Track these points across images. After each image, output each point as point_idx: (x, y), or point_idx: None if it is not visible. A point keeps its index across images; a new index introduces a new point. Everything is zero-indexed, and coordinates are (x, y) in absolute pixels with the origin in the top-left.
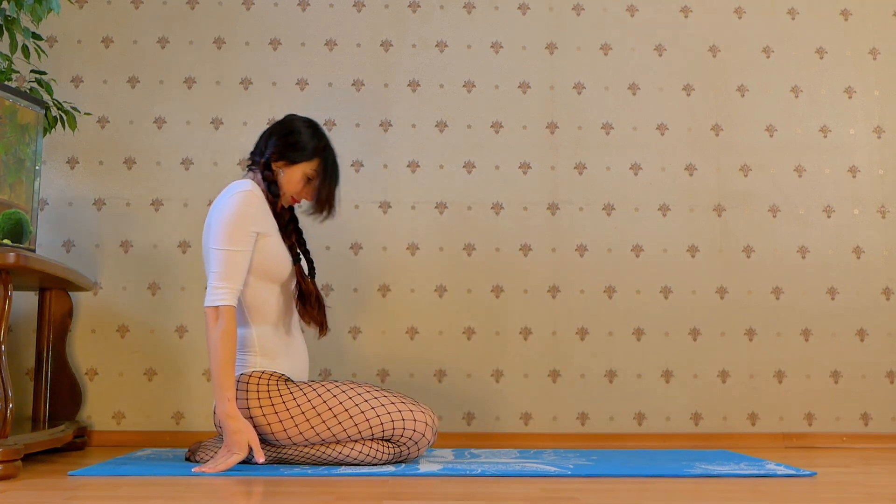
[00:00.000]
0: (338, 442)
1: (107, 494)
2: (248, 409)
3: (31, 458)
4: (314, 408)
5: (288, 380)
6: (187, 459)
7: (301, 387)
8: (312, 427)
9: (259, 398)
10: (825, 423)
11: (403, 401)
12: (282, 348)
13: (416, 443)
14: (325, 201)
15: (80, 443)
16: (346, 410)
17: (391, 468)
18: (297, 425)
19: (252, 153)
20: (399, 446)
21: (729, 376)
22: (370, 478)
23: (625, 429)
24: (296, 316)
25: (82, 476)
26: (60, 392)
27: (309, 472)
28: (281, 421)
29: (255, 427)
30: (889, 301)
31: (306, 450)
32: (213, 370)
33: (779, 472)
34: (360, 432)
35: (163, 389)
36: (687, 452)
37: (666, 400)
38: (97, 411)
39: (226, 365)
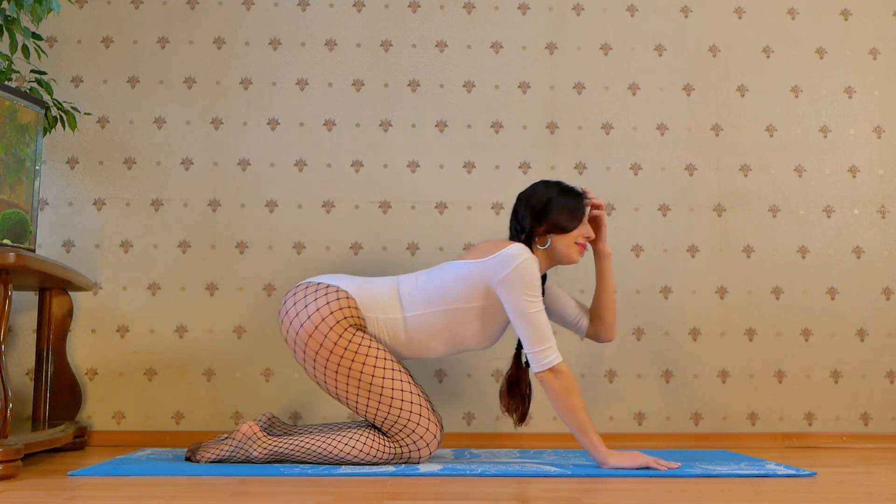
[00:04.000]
0: (340, 430)
1: (107, 494)
2: (314, 323)
3: (31, 458)
4: (363, 366)
5: (361, 328)
6: (187, 459)
7: (362, 342)
8: (344, 383)
9: (328, 325)
10: (825, 423)
11: (427, 406)
12: (403, 342)
13: (419, 449)
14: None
15: (80, 443)
16: (383, 386)
17: (391, 468)
18: (337, 367)
19: (512, 233)
20: (401, 446)
21: (729, 376)
22: (370, 478)
23: (625, 429)
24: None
25: (82, 476)
26: (60, 392)
27: (309, 471)
28: (324, 359)
29: (298, 338)
30: (889, 301)
31: (307, 441)
32: (571, 426)
33: (779, 472)
34: (376, 410)
35: (163, 389)
36: (687, 452)
37: (666, 400)
38: (97, 411)
39: (582, 418)
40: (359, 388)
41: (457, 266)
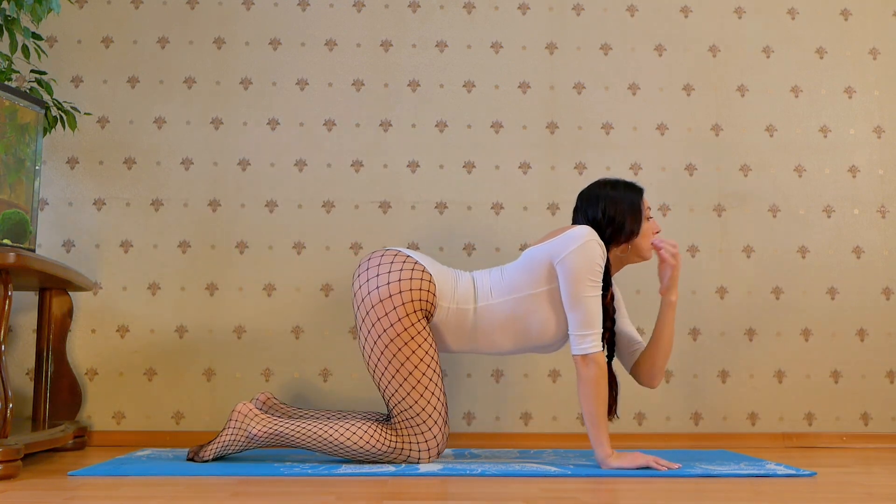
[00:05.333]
0: (342, 418)
1: (107, 494)
2: (389, 291)
3: (31, 458)
4: (412, 353)
5: (429, 315)
6: (189, 460)
7: (420, 332)
8: (387, 359)
9: (402, 300)
10: (825, 423)
11: (444, 416)
12: (468, 334)
13: (419, 451)
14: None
15: (80, 443)
16: (419, 381)
17: (391, 468)
18: (388, 343)
19: (579, 216)
20: (403, 442)
21: (729, 376)
22: (370, 478)
23: (625, 429)
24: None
25: (82, 476)
26: (60, 392)
27: (309, 471)
28: (382, 329)
29: (368, 298)
30: (889, 301)
31: (307, 425)
32: (586, 415)
33: (779, 472)
34: (402, 398)
35: (163, 389)
36: (687, 452)
37: (666, 400)
38: (97, 411)
39: (599, 412)
40: (398, 370)
41: (525, 253)
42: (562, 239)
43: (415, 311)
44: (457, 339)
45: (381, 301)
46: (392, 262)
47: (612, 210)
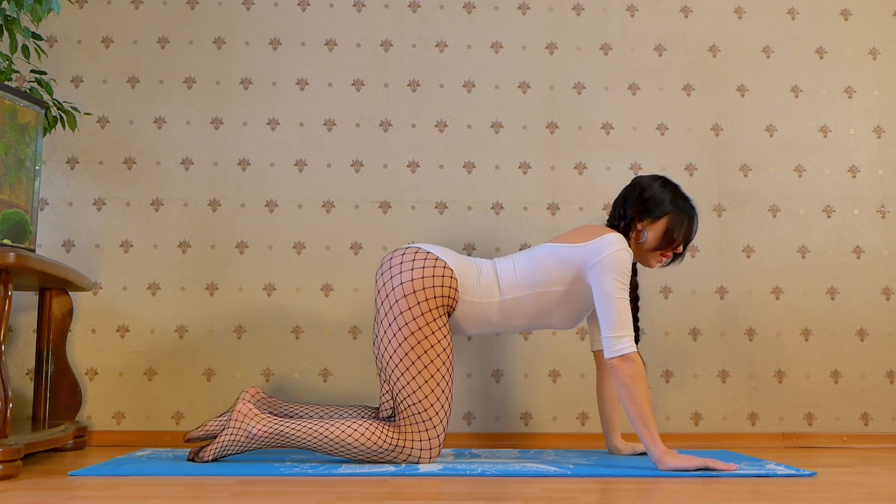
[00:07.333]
0: (342, 417)
1: (107, 494)
2: (413, 287)
3: (31, 458)
4: (431, 348)
5: (451, 310)
6: (190, 460)
7: (440, 329)
8: (403, 351)
9: (426, 295)
10: (825, 423)
11: (447, 416)
12: (490, 324)
13: (420, 449)
14: (683, 251)
15: (80, 443)
16: (432, 376)
17: (391, 468)
18: (407, 336)
19: (612, 217)
20: (404, 439)
21: (729, 376)
22: (370, 478)
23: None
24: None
25: (82, 476)
26: (60, 392)
27: (309, 471)
28: (403, 322)
29: (392, 291)
30: (889, 301)
31: (308, 423)
32: (633, 416)
33: (779, 472)
34: (410, 392)
35: (163, 389)
36: (687, 452)
37: (666, 400)
38: (97, 411)
39: (646, 410)
40: (413, 363)
41: (554, 249)
42: (593, 247)
43: (437, 307)
44: (476, 327)
45: (405, 296)
46: (414, 259)
47: (650, 193)
